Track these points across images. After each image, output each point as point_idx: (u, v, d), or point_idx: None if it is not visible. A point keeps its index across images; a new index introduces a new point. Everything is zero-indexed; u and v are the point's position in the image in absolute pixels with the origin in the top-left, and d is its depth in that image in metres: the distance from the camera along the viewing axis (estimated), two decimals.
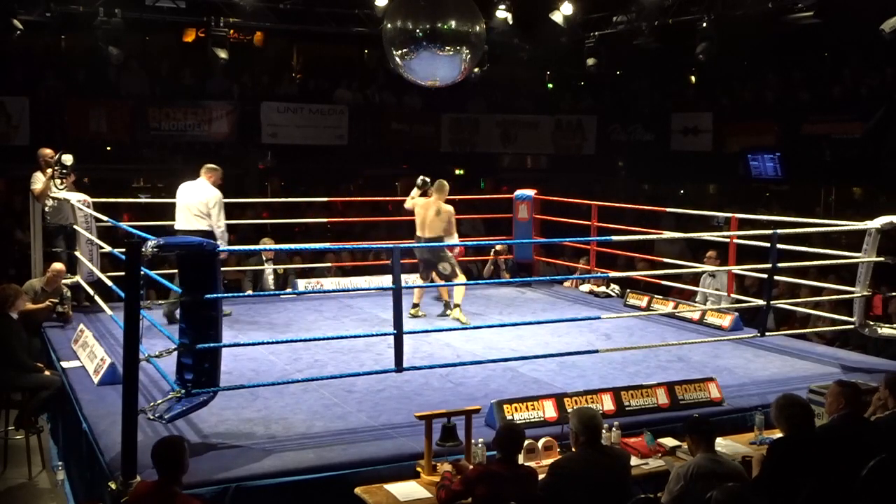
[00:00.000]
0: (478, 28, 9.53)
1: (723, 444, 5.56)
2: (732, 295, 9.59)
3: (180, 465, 4.49)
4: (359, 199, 16.13)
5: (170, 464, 4.47)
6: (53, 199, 9.18)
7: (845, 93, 15.37)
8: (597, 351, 7.57)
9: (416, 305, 9.41)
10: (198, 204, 8.75)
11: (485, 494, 4.59)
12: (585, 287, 11.11)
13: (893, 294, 9.23)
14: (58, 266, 8.93)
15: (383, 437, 5.76)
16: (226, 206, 13.41)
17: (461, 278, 9.28)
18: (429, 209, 9.25)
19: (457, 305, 9.13)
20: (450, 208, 9.29)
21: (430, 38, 9.20)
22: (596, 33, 14.33)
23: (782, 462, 4.73)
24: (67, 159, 9.11)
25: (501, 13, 13.38)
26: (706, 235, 10.96)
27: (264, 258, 11.05)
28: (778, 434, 5.41)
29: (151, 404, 5.58)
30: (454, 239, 9.68)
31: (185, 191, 8.89)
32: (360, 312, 9.75)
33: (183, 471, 4.53)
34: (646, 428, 5.85)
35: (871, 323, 7.97)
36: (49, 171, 9.12)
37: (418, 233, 9.37)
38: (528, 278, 11.58)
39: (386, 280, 10.46)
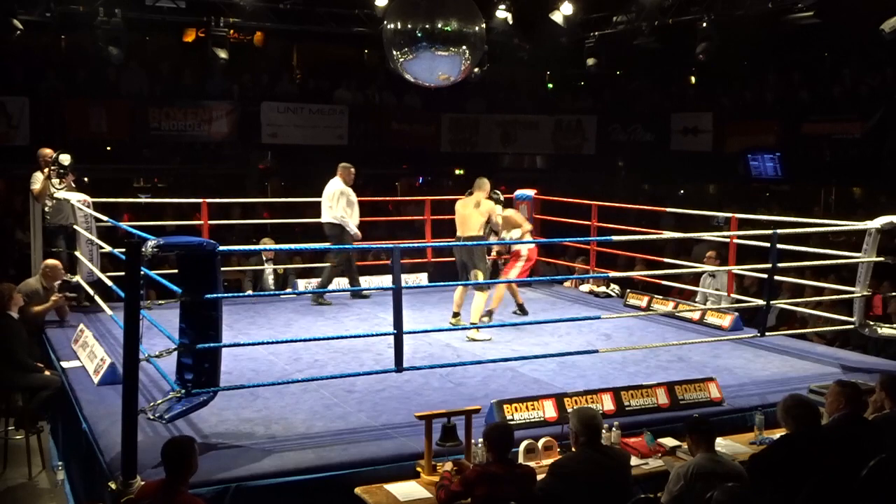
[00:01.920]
0: (478, 28, 9.53)
1: (723, 444, 5.56)
2: (732, 295, 9.59)
3: (187, 465, 4.50)
4: (359, 198, 16.08)
5: (176, 464, 4.48)
6: (54, 199, 9.19)
7: (845, 93, 15.38)
8: (597, 351, 7.57)
9: (456, 314, 8.80)
10: (326, 198, 10.12)
11: (484, 495, 4.59)
12: (585, 287, 11.11)
13: (893, 294, 9.24)
14: (51, 262, 8.90)
15: (383, 437, 5.76)
16: (225, 206, 13.66)
17: (484, 294, 8.67)
18: (468, 206, 8.76)
19: (474, 324, 8.48)
20: (490, 204, 8.78)
21: (429, 39, 9.19)
22: (596, 33, 14.34)
23: (786, 460, 4.74)
24: (65, 159, 9.12)
25: (501, 13, 13.39)
26: (706, 235, 10.96)
27: (264, 258, 11.06)
28: (778, 434, 5.43)
29: (151, 404, 5.58)
30: (527, 237, 9.44)
31: (326, 187, 10.24)
32: (360, 312, 9.75)
33: (190, 471, 4.54)
34: (646, 428, 5.85)
35: (871, 323, 7.97)
36: (46, 170, 9.13)
37: (458, 233, 8.88)
38: (529, 278, 11.57)
39: (386, 280, 10.47)
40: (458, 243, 8.84)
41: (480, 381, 7.02)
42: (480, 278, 8.58)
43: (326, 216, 10.16)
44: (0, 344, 7.37)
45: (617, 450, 5.20)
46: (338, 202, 10.05)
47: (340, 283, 11.25)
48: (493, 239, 9.23)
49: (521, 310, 9.65)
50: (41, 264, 9.05)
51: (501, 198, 9.09)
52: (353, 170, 10.35)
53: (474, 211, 8.69)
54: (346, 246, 10.09)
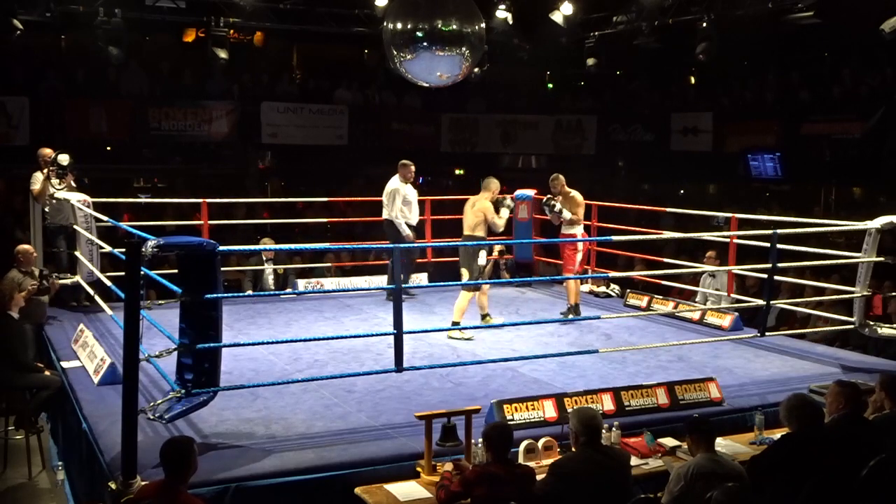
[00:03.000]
0: (478, 28, 9.52)
1: (723, 444, 5.57)
2: (732, 295, 9.59)
3: (186, 465, 4.50)
4: (359, 199, 16.12)
5: (175, 464, 4.48)
6: (53, 199, 9.19)
7: (845, 93, 15.36)
8: (597, 351, 7.57)
9: (484, 316, 8.84)
10: (384, 196, 10.31)
11: (484, 495, 4.59)
12: (585, 287, 11.10)
13: (893, 294, 9.24)
14: (21, 247, 8.93)
15: (383, 437, 5.76)
16: (225, 206, 13.67)
17: (467, 294, 8.56)
18: (470, 205, 8.79)
19: (455, 322, 8.46)
20: (485, 204, 8.66)
21: (430, 38, 9.19)
22: (596, 33, 14.33)
23: (786, 460, 4.74)
24: (63, 159, 9.13)
25: (501, 13, 13.38)
26: (706, 235, 10.96)
27: (264, 258, 11.05)
28: (778, 434, 5.43)
29: (151, 404, 5.58)
30: (579, 229, 9.24)
31: (387, 185, 10.38)
32: (360, 312, 9.75)
33: (190, 472, 4.54)
34: (646, 428, 5.86)
35: (871, 323, 7.97)
36: (45, 171, 9.15)
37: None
38: (528, 278, 11.57)
39: (386, 280, 10.47)
40: (456, 243, 8.85)
41: (480, 381, 7.02)
42: (465, 277, 8.62)
43: (384, 214, 10.35)
44: (0, 344, 7.37)
45: (617, 450, 5.20)
46: (393, 201, 10.14)
47: (342, 283, 11.29)
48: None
49: (575, 310, 9.18)
50: (50, 268, 9.07)
51: (508, 201, 8.85)
52: (412, 167, 10.36)
53: (470, 211, 8.73)
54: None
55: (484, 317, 8.83)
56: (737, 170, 16.57)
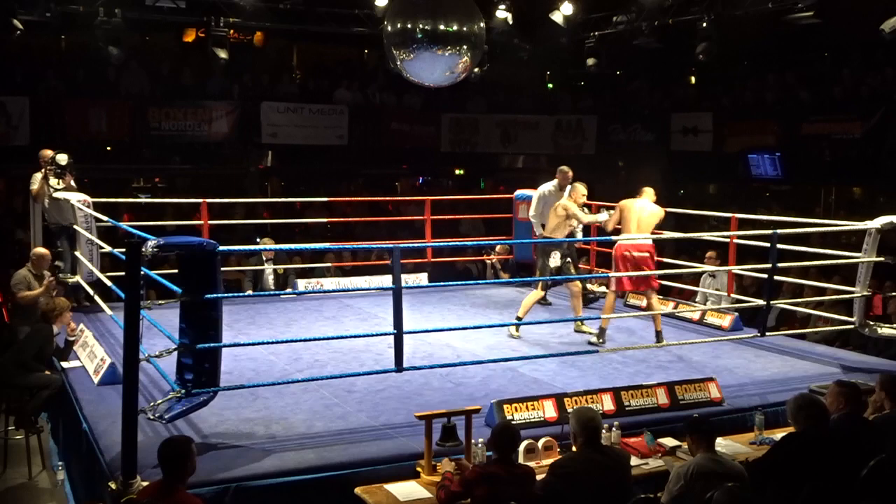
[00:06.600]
0: (478, 28, 9.52)
1: (723, 444, 5.57)
2: (732, 295, 9.59)
3: (183, 465, 4.50)
4: (359, 199, 16.14)
5: (172, 464, 4.49)
6: (53, 199, 9.19)
7: (845, 93, 15.36)
8: (597, 351, 7.57)
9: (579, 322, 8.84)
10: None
11: (484, 495, 4.59)
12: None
13: (893, 294, 9.24)
14: (38, 250, 8.95)
15: (383, 437, 5.76)
16: (224, 206, 13.68)
17: (536, 293, 8.80)
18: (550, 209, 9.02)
19: (518, 317, 8.57)
20: (568, 202, 8.64)
21: (429, 38, 9.19)
22: (596, 33, 14.33)
23: (787, 460, 4.74)
24: (62, 159, 9.15)
25: (501, 13, 13.37)
26: (706, 235, 10.96)
27: (264, 258, 11.05)
28: (779, 434, 5.44)
29: (151, 404, 5.58)
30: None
31: None
32: (360, 312, 9.75)
33: (187, 471, 4.54)
34: (646, 428, 5.86)
35: (871, 323, 7.98)
36: (43, 171, 9.16)
37: None
38: (528, 278, 11.57)
39: (386, 280, 10.47)
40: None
41: (480, 381, 7.02)
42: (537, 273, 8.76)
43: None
44: (18, 345, 7.39)
45: (617, 450, 5.20)
46: (534, 203, 10.10)
47: (342, 283, 11.29)
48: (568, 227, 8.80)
49: (601, 335, 8.43)
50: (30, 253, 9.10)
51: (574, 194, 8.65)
52: (567, 173, 9.74)
53: (553, 214, 8.74)
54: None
55: (578, 321, 8.72)
56: (737, 170, 16.56)
